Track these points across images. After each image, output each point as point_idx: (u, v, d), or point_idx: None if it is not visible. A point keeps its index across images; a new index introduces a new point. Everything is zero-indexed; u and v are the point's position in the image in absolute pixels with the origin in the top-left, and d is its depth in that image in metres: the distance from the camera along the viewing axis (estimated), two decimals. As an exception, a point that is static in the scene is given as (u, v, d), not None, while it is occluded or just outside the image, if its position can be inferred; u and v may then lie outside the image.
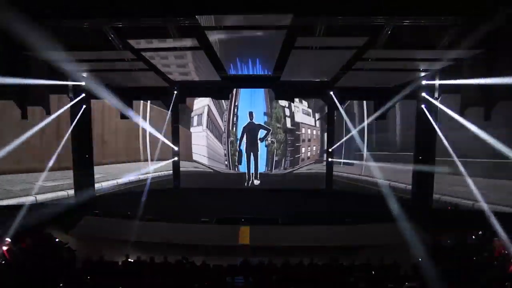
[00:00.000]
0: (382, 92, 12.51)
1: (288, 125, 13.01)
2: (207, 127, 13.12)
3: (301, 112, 13.07)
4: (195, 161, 13.46)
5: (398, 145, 12.72)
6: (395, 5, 6.76)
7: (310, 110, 13.44)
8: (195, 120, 12.97)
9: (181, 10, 7.05)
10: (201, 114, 12.99)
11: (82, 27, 7.62)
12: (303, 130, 13.01)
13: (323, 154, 13.19)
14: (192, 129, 12.98)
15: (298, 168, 13.67)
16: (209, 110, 12.88)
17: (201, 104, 12.87)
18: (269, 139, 13.41)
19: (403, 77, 11.29)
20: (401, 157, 12.35)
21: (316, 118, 13.05)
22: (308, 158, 13.24)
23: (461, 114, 9.96)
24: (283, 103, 13.68)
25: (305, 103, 13.45)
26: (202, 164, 13.49)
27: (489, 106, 9.39)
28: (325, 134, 12.68)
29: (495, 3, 6.53)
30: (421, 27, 7.23)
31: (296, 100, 13.77)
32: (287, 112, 13.03)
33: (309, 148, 13.25)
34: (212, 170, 13.64)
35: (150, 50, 9.18)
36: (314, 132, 13.00)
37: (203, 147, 13.29)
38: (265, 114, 13.34)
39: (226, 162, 14.40)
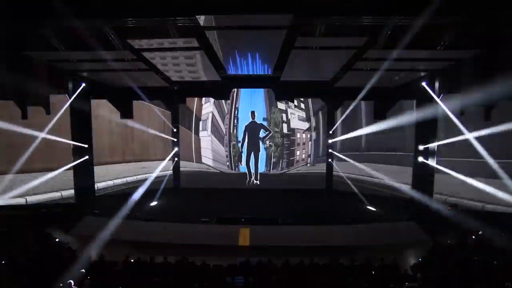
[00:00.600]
0: (382, 92, 12.53)
1: (285, 130, 14.04)
2: (211, 132, 14.18)
3: (297, 118, 13.99)
4: (204, 163, 14.50)
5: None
6: (395, 5, 6.76)
7: (305, 116, 14.32)
8: (201, 126, 14.06)
9: (181, 10, 7.04)
10: (206, 120, 13.98)
11: (82, 27, 7.61)
12: (298, 135, 14.11)
13: (308, 157, 14.41)
14: (200, 135, 14.14)
15: (293, 169, 14.61)
16: (213, 116, 13.91)
17: (207, 110, 13.94)
18: (267, 142, 14.15)
19: (403, 77, 11.30)
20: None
21: (306, 127, 14.11)
22: (303, 159, 14.31)
23: (461, 114, 9.96)
24: (282, 106, 14.13)
25: (301, 106, 14.01)
26: (209, 166, 14.45)
27: (489, 106, 9.38)
28: (310, 143, 13.98)
29: (495, 3, 6.53)
30: (421, 27, 7.23)
31: (293, 105, 14.20)
32: (284, 117, 13.92)
33: (303, 151, 14.25)
34: (218, 171, 14.60)
35: (150, 50, 9.18)
36: (308, 137, 14.19)
37: (209, 150, 14.29)
38: (264, 119, 14.12)
39: (227, 163, 14.79)
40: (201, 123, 14.13)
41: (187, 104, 14.25)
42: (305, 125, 14.12)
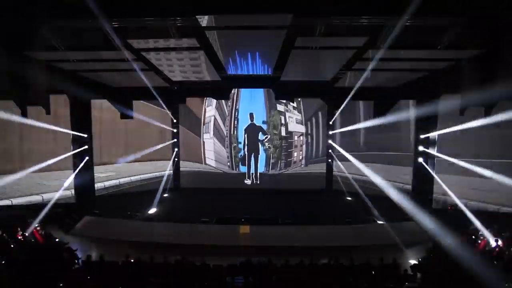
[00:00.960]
0: (382, 92, 12.53)
1: (283, 133, 14.66)
2: (213, 134, 14.94)
3: (295, 121, 14.63)
4: (208, 165, 15.35)
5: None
6: (395, 5, 6.76)
7: (301, 119, 14.93)
8: (204, 129, 14.89)
9: (181, 10, 7.03)
10: (209, 123, 14.77)
11: (82, 27, 7.61)
12: (295, 138, 14.84)
13: (302, 159, 15.11)
14: (204, 137, 14.95)
15: (291, 170, 15.16)
16: (215, 120, 14.67)
17: (209, 114, 14.72)
18: (266, 145, 14.74)
19: (403, 77, 11.29)
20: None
21: (303, 130, 14.74)
22: (300, 160, 14.97)
23: (461, 114, 9.95)
24: (281, 108, 14.61)
25: (300, 106, 14.45)
26: (211, 166, 15.19)
27: (489, 106, 9.36)
28: (303, 146, 14.71)
29: (495, 3, 6.53)
30: (421, 27, 7.22)
31: (291, 107, 14.52)
32: (283, 120, 14.53)
33: (300, 152, 14.91)
34: (219, 171, 15.22)
35: (150, 50, 9.18)
36: (303, 140, 14.90)
37: (211, 152, 15.10)
38: (264, 122, 14.71)
39: (228, 164, 15.26)
40: (204, 126, 14.85)
41: (195, 110, 14.74)
42: (302, 128, 14.63)
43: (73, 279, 6.49)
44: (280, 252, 8.48)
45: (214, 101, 14.73)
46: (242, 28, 7.80)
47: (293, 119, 14.62)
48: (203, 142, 15.00)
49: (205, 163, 15.27)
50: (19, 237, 8.26)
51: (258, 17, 7.15)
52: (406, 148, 13.18)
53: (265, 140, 14.76)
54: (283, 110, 14.65)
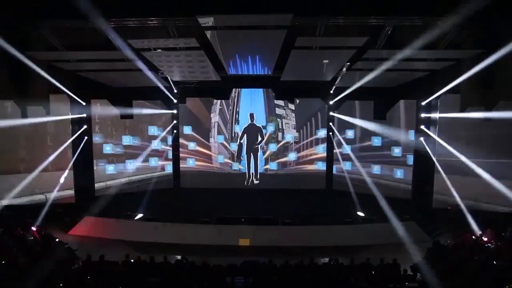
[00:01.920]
0: (382, 92, 12.54)
1: (280, 138, 15.34)
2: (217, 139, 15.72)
3: (291, 127, 15.26)
4: (212, 166, 15.93)
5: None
6: (395, 5, 6.77)
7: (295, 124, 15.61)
8: (210, 134, 15.60)
9: (181, 10, 7.05)
10: (213, 128, 15.46)
11: (82, 27, 7.61)
12: (291, 141, 15.47)
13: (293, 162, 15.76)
14: (210, 142, 15.66)
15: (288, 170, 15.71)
16: (218, 125, 15.38)
17: (213, 120, 15.43)
18: (265, 147, 15.31)
19: (403, 77, 11.30)
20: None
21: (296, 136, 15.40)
22: (291, 164, 15.63)
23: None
24: (279, 112, 15.08)
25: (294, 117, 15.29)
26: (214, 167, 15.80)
27: (489, 106, 9.38)
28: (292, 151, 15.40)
29: (495, 3, 6.54)
30: (421, 27, 7.23)
31: (289, 113, 15.02)
32: (280, 125, 15.23)
33: (292, 155, 15.56)
34: (220, 171, 15.71)
35: (150, 50, 9.18)
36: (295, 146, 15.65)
37: (215, 155, 15.63)
38: (264, 127, 15.24)
39: (230, 164, 15.51)
40: (210, 132, 15.55)
41: (203, 120, 15.23)
42: (296, 134, 15.20)
43: (73, 279, 6.48)
44: (280, 252, 8.48)
45: (217, 108, 15.14)
46: (242, 28, 7.81)
47: (289, 125, 15.23)
48: (210, 146, 15.57)
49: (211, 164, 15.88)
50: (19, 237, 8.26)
51: (258, 17, 7.16)
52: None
53: (259, 144, 15.18)
54: (281, 114, 14.99)
